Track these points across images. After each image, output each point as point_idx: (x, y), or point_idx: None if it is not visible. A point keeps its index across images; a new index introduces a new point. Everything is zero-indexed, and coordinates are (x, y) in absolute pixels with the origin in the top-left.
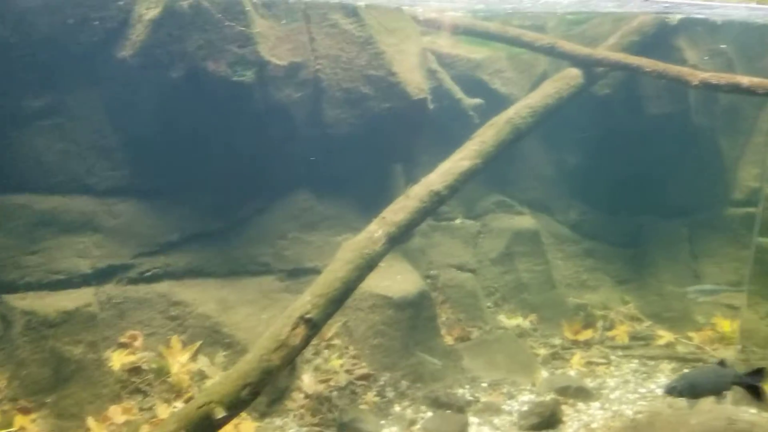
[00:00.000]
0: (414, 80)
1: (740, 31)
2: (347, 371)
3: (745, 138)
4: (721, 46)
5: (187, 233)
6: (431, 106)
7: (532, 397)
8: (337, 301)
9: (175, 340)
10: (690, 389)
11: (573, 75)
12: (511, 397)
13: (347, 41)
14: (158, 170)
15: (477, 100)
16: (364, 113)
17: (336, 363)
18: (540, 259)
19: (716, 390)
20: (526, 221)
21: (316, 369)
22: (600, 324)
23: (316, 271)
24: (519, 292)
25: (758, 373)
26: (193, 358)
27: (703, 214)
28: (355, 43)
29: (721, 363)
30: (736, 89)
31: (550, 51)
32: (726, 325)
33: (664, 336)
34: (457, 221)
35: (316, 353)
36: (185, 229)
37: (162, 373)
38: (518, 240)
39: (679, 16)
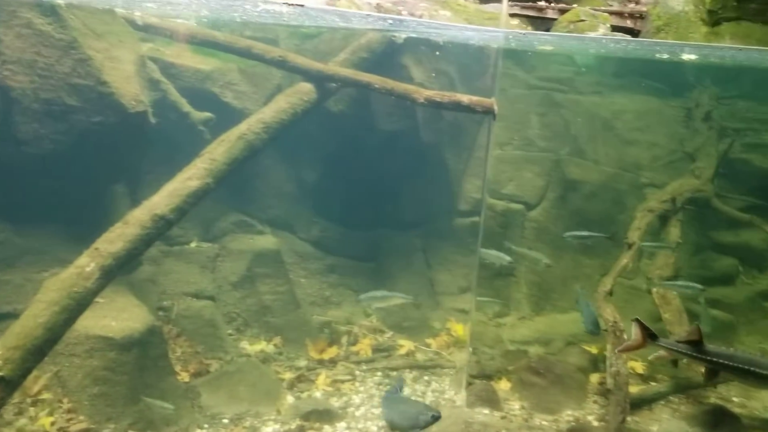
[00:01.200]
0: (130, 91)
1: (461, 52)
2: (60, 429)
3: (468, 153)
4: (436, 53)
5: None
6: (154, 120)
7: (278, 426)
8: (38, 351)
9: None
10: None
11: (306, 90)
12: (254, 430)
13: (45, 44)
14: None
15: (207, 114)
16: (71, 128)
17: (46, 421)
18: (283, 280)
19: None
20: (267, 241)
21: (20, 431)
22: (344, 340)
23: (15, 316)
24: (262, 315)
25: None
26: None
27: (434, 225)
28: (55, 47)
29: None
30: (457, 107)
31: (282, 64)
32: (459, 329)
33: (405, 345)
34: (193, 245)
35: (20, 413)
36: None
37: None
38: (260, 261)
39: (404, 35)
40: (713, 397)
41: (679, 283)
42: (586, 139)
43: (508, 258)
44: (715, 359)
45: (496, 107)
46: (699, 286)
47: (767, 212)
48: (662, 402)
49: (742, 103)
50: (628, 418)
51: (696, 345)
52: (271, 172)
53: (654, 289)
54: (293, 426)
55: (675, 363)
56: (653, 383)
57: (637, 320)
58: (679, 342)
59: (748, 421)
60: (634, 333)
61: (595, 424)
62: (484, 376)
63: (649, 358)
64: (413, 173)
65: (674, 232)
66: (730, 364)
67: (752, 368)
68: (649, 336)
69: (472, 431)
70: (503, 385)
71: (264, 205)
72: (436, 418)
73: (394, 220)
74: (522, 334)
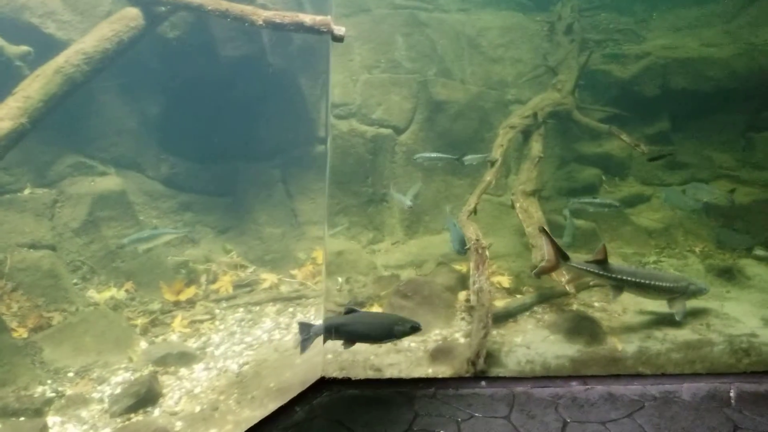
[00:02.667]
0: None
1: None
2: None
3: (324, 77)
4: None
5: None
6: None
7: (128, 375)
8: None
9: None
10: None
11: (132, 15)
12: (102, 381)
13: None
14: None
15: (24, 48)
16: None
17: None
18: (130, 222)
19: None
20: (110, 182)
21: None
22: (203, 279)
23: None
24: (110, 261)
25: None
26: None
27: (292, 154)
28: None
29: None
30: (300, 28)
31: None
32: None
33: (268, 279)
34: (26, 192)
35: None
36: None
37: None
38: (103, 204)
39: None
40: (576, 304)
41: (597, 200)
42: (452, 59)
43: (409, 203)
44: (620, 276)
45: (335, 27)
46: (616, 203)
47: (626, 121)
48: (527, 313)
49: (605, 15)
50: (494, 332)
51: (602, 264)
52: (110, 108)
53: (517, 205)
54: (145, 372)
55: (537, 274)
56: (519, 296)
57: (552, 242)
58: (588, 262)
59: (607, 323)
60: (547, 255)
61: (462, 340)
62: (356, 303)
63: (563, 282)
64: (265, 101)
65: (536, 147)
66: (634, 280)
67: (653, 282)
68: (562, 257)
69: (341, 360)
70: (375, 311)
71: (105, 143)
72: (415, 329)
73: (249, 151)
74: (396, 258)
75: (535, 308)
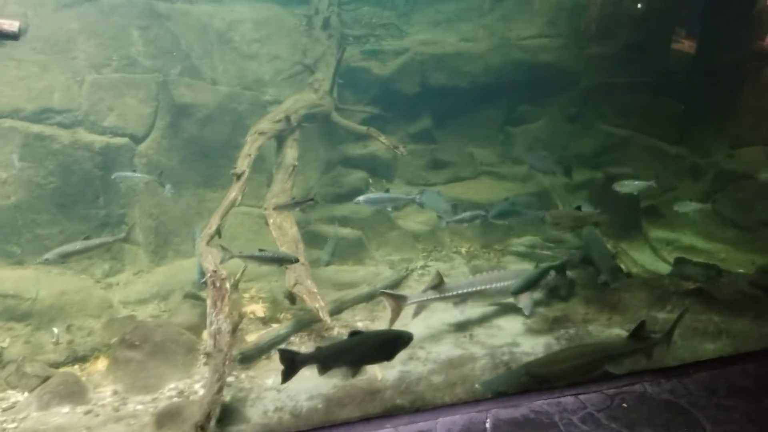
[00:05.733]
0: None
1: None
2: None
3: None
4: None
5: None
6: None
7: None
8: None
9: None
10: None
11: None
12: None
13: None
14: None
15: None
16: None
17: None
18: None
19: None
20: None
21: None
22: None
23: None
24: None
25: None
26: None
27: None
28: None
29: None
30: None
31: None
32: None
33: None
34: None
35: None
36: None
37: None
38: None
39: None
40: (337, 328)
41: (468, 214)
42: (199, 56)
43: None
44: (460, 291)
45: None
46: (483, 212)
47: (389, 120)
48: (283, 345)
49: (367, 8)
50: (242, 375)
51: (440, 287)
52: None
53: (270, 220)
54: None
55: (293, 300)
56: (275, 325)
57: (384, 294)
58: (425, 291)
59: None
60: (389, 305)
61: (203, 391)
62: (76, 359)
63: (317, 309)
64: None
65: (291, 154)
66: (473, 290)
67: (494, 285)
68: (402, 300)
69: None
70: (100, 366)
71: None
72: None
73: None
74: (137, 291)
75: (292, 338)
